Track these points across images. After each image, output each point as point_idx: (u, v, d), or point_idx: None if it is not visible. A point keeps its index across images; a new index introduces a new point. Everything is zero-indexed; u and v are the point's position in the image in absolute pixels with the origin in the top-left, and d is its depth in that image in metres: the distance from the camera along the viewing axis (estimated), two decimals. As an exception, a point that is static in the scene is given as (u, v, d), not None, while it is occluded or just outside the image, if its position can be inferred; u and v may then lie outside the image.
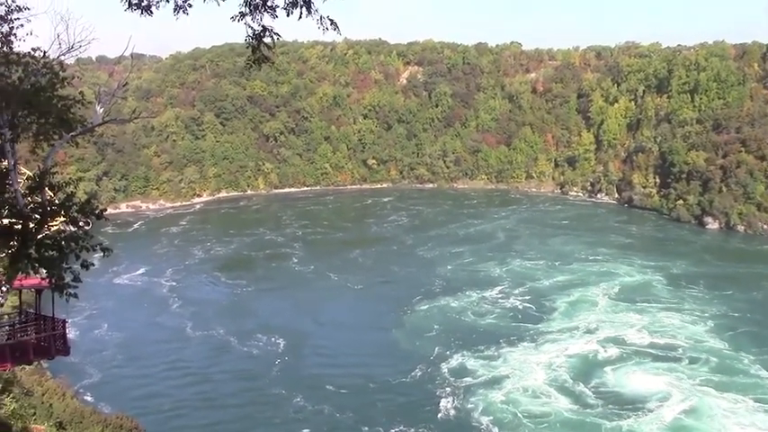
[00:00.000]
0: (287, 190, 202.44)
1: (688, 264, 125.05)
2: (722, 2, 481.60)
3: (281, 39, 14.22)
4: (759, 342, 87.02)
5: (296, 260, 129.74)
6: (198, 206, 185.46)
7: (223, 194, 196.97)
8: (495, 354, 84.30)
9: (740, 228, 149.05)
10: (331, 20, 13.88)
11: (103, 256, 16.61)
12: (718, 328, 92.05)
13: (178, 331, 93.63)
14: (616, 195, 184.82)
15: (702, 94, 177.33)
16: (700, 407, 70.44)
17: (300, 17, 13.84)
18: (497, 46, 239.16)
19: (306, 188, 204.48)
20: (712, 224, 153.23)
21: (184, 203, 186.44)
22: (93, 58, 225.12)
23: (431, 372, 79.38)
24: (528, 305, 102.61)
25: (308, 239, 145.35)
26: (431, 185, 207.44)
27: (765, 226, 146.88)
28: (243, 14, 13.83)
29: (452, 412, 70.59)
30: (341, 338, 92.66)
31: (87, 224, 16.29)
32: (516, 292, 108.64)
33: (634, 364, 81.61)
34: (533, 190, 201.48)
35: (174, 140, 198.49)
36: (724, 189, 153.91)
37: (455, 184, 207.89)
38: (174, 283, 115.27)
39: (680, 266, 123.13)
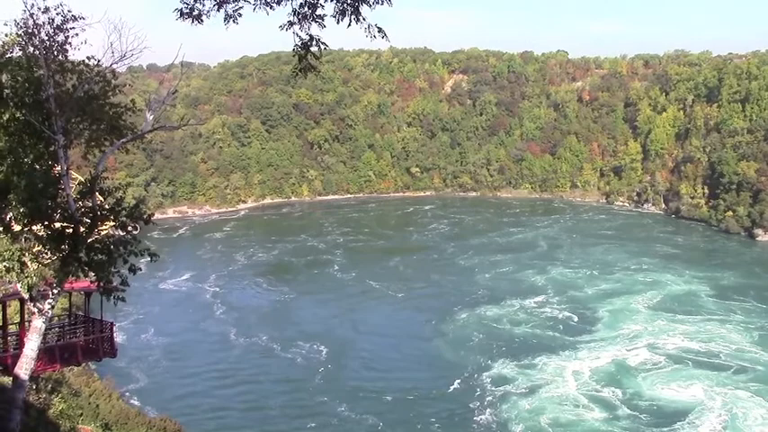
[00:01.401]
0: (330, 197, 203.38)
1: (736, 275, 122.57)
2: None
3: (327, 48, 14.33)
4: None
5: (337, 267, 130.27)
6: (242, 212, 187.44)
7: (267, 201, 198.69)
8: (535, 363, 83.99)
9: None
10: (379, 27, 13.92)
11: (151, 260, 16.94)
12: (764, 340, 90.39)
13: (222, 337, 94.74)
14: (663, 206, 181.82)
15: (754, 104, 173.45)
16: (739, 418, 69.82)
17: (349, 25, 13.94)
18: (543, 54, 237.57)
19: (349, 195, 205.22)
20: (763, 236, 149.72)
21: (229, 209, 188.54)
22: (144, 67, 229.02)
23: (471, 381, 79.05)
24: (568, 314, 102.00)
25: (350, 246, 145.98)
26: (474, 194, 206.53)
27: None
28: (291, 23, 13.95)
29: (491, 422, 70.25)
30: (382, 347, 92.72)
31: (135, 229, 16.64)
32: (557, 300, 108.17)
33: (674, 374, 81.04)
34: (578, 199, 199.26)
35: (221, 147, 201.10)
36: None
37: (498, 193, 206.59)
38: (218, 289, 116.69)
39: (727, 278, 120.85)
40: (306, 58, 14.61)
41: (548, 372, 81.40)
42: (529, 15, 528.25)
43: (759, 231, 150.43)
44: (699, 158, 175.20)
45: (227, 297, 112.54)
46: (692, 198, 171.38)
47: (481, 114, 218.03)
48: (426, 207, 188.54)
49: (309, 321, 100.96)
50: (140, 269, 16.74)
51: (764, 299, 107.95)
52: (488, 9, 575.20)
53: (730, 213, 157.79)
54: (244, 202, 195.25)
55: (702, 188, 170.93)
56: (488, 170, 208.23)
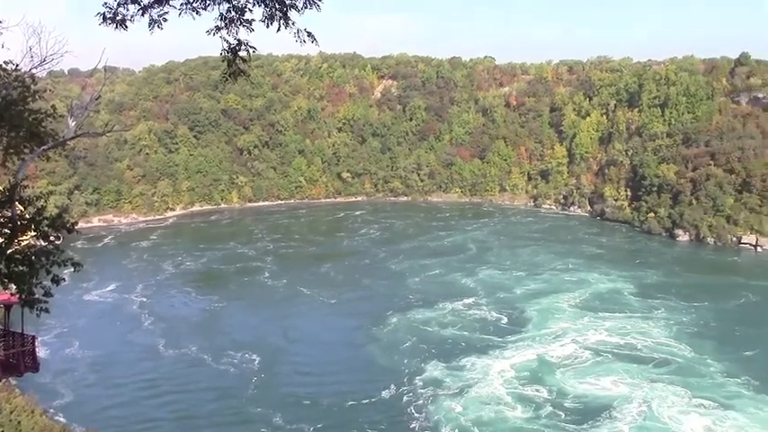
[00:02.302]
0: (261, 203, 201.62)
1: (658, 274, 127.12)
2: (691, 17, 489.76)
3: (255, 52, 14.22)
4: (723, 349, 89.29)
5: (268, 274, 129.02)
6: (171, 220, 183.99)
7: (196, 208, 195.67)
8: (465, 363, 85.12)
9: (710, 240, 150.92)
10: (308, 32, 13.91)
11: (74, 270, 16.42)
12: (685, 336, 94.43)
13: (150, 349, 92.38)
14: (588, 208, 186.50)
15: (672, 109, 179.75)
16: (658, 408, 72.73)
17: (278, 30, 13.87)
18: (471, 60, 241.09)
19: (280, 201, 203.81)
20: (683, 236, 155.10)
21: (157, 217, 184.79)
22: (66, 72, 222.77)
23: (404, 385, 79.38)
24: (497, 314, 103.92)
25: (280, 253, 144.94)
26: (405, 198, 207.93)
27: (734, 238, 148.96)
28: (218, 28, 13.79)
29: (423, 426, 70.81)
30: (316, 354, 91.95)
31: (58, 238, 16.12)
32: (486, 301, 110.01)
33: (597, 369, 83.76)
34: (507, 203, 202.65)
35: (147, 154, 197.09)
36: (694, 202, 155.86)
37: (429, 198, 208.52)
38: (145, 299, 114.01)
39: (650, 276, 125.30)
40: (234, 62, 14.47)
41: (477, 372, 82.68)
42: (455, 21, 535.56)
43: (679, 232, 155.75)
44: (621, 162, 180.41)
45: (154, 307, 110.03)
46: (616, 200, 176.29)
47: (411, 119, 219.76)
48: (357, 212, 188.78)
49: (240, 330, 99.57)
50: (64, 280, 16.21)
51: (684, 296, 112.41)
52: (418, 15, 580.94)
53: (652, 215, 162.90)
54: (172, 209, 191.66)
55: (625, 190, 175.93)
56: (419, 175, 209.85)
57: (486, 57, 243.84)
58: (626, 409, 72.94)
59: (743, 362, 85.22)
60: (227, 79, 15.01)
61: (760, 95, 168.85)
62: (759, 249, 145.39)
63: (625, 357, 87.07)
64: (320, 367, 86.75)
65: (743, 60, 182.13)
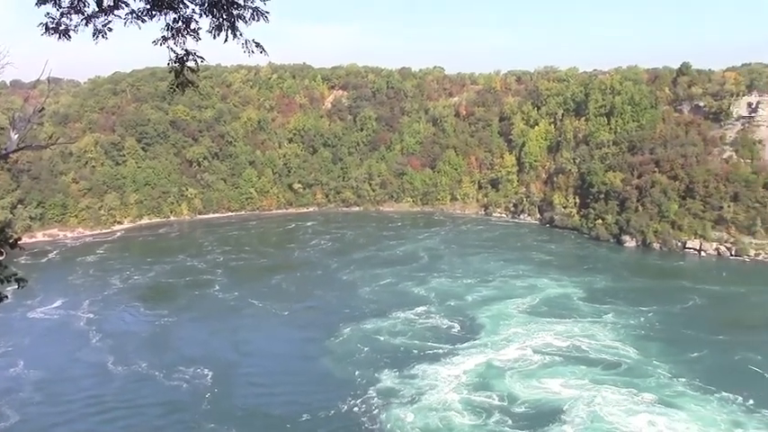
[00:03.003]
0: (211, 215, 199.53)
1: (606, 279, 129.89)
2: (636, 28, 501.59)
3: (204, 62, 14.09)
4: (669, 351, 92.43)
5: (218, 287, 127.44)
6: (118, 234, 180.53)
7: (145, 221, 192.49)
8: (418, 372, 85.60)
9: (656, 245, 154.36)
10: (257, 43, 13.86)
11: (18, 287, 16.00)
12: (633, 339, 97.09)
13: (99, 366, 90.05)
14: (538, 216, 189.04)
15: (618, 117, 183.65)
16: (606, 412, 74.42)
17: (226, 40, 13.77)
18: (421, 70, 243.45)
19: (230, 213, 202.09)
20: (630, 242, 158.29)
21: (104, 231, 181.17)
22: (8, 83, 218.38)
23: (359, 396, 79.10)
24: (450, 322, 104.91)
25: (231, 266, 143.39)
26: (357, 209, 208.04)
27: (679, 243, 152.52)
28: (165, 38, 13.65)
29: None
30: (269, 367, 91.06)
31: (0, 254, 15.69)
32: (439, 309, 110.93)
33: (548, 373, 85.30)
34: (458, 212, 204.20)
35: (94, 166, 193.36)
36: (640, 208, 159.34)
37: (381, 207, 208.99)
38: (93, 315, 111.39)
39: (598, 282, 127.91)
40: (182, 73, 14.32)
41: (429, 379, 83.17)
42: (406, 32, 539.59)
43: (626, 238, 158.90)
44: (570, 170, 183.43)
45: (102, 323, 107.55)
46: (565, 208, 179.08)
47: (362, 130, 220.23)
48: (309, 223, 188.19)
49: (191, 345, 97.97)
50: (7, 297, 15.78)
51: (631, 300, 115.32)
52: (367, 26, 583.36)
53: (600, 221, 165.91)
54: (119, 223, 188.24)
55: (574, 198, 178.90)
56: (370, 185, 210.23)
57: (435, 67, 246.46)
58: (574, 411, 74.42)
59: (688, 363, 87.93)
60: (174, 90, 14.84)
61: (701, 104, 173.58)
62: (703, 254, 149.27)
63: (574, 360, 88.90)
64: (274, 380, 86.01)
65: (684, 70, 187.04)
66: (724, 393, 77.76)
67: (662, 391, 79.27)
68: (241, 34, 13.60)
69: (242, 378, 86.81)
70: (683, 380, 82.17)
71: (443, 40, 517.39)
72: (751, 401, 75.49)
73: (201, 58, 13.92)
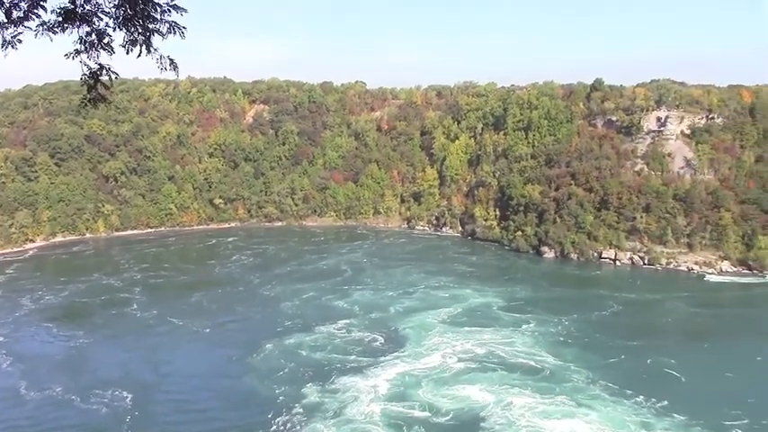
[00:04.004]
0: (129, 232, 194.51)
1: (526, 289, 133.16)
2: (551, 47, 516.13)
3: (118, 78, 13.85)
4: (586, 356, 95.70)
5: (136, 306, 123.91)
6: (30, 252, 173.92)
7: (59, 239, 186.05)
8: (342, 385, 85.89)
9: (573, 255, 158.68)
10: (171, 59, 13.72)
11: None
12: (551, 345, 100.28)
13: (10, 392, 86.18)
14: (460, 228, 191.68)
15: (535, 131, 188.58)
16: (524, 416, 76.84)
17: (140, 55, 13.58)
18: (342, 85, 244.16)
19: (150, 230, 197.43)
20: (548, 253, 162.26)
21: (15, 250, 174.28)
22: None
23: (283, 414, 78.50)
24: (373, 334, 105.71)
25: (149, 283, 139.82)
26: (279, 224, 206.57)
27: (595, 253, 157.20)
28: (78, 52, 13.38)
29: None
30: (191, 388, 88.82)
31: None
32: (362, 322, 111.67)
33: (469, 381, 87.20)
34: (381, 225, 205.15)
35: (4, 183, 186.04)
36: (558, 220, 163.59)
37: (304, 222, 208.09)
38: (2, 338, 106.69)
39: (519, 292, 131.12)
40: (95, 87, 14.06)
41: (352, 392, 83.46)
42: (327, 46, 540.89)
43: (545, 249, 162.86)
44: (490, 183, 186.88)
45: (13, 347, 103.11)
46: (486, 220, 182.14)
47: (284, 144, 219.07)
48: (230, 239, 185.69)
49: (109, 366, 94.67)
50: None
51: (551, 309, 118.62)
52: (289, 41, 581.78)
53: (520, 233, 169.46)
54: (32, 241, 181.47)
55: (494, 210, 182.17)
56: (293, 199, 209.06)
57: (357, 82, 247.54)
58: (492, 417, 76.27)
59: (603, 368, 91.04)
60: (86, 105, 14.53)
61: (613, 118, 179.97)
62: (618, 263, 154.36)
63: (493, 368, 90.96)
64: (196, 400, 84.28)
65: (597, 86, 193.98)
66: (636, 396, 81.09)
67: (577, 394, 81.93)
68: (156, 49, 13.49)
69: (163, 399, 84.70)
70: (598, 384, 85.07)
71: (366, 54, 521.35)
72: (660, 404, 78.89)
73: (116, 73, 13.68)
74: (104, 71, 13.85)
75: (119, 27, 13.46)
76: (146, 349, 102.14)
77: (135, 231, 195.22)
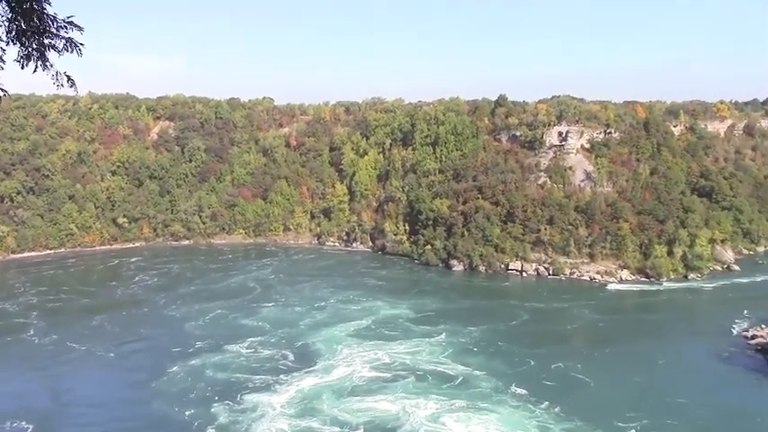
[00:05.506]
0: (26, 254, 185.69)
1: (436, 301, 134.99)
2: (456, 64, 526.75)
3: (8, 95, 13.27)
4: (492, 364, 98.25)
5: (33, 332, 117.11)
6: None
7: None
8: (252, 404, 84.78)
9: (482, 268, 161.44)
10: (68, 76, 13.26)
11: None
12: (461, 355, 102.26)
13: None
14: (370, 243, 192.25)
15: (443, 146, 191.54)
16: (431, 423, 78.27)
17: (35, 71, 13.08)
18: (250, 101, 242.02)
19: (49, 251, 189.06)
20: (457, 266, 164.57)
21: None
22: None
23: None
24: (282, 350, 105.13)
25: (47, 307, 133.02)
26: (187, 242, 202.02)
27: (503, 265, 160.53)
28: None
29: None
30: (96, 417, 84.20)
31: None
32: (272, 339, 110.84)
33: (379, 391, 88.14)
34: (291, 242, 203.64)
35: None
36: (466, 233, 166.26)
37: (212, 240, 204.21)
38: None
39: (429, 304, 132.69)
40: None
41: (261, 410, 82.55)
42: (232, 63, 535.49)
43: (454, 262, 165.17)
44: (399, 197, 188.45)
45: None
46: (396, 235, 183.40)
47: (190, 161, 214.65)
48: (133, 259, 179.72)
49: (5, 397, 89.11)
50: None
51: (461, 319, 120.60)
52: (194, 57, 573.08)
53: (429, 247, 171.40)
54: None
55: (404, 225, 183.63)
56: (201, 217, 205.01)
57: (264, 98, 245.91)
58: (401, 425, 77.27)
59: (511, 375, 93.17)
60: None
61: (517, 133, 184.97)
62: (524, 274, 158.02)
63: (404, 378, 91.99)
64: (103, 430, 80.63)
65: (501, 102, 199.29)
66: (540, 402, 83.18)
67: (482, 401, 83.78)
68: (51, 65, 12.99)
69: (66, 430, 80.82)
70: (504, 390, 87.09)
71: (273, 70, 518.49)
72: (563, 408, 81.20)
73: (5, 91, 13.10)
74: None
75: (12, 41, 12.93)
76: (45, 377, 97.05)
77: (32, 253, 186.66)
